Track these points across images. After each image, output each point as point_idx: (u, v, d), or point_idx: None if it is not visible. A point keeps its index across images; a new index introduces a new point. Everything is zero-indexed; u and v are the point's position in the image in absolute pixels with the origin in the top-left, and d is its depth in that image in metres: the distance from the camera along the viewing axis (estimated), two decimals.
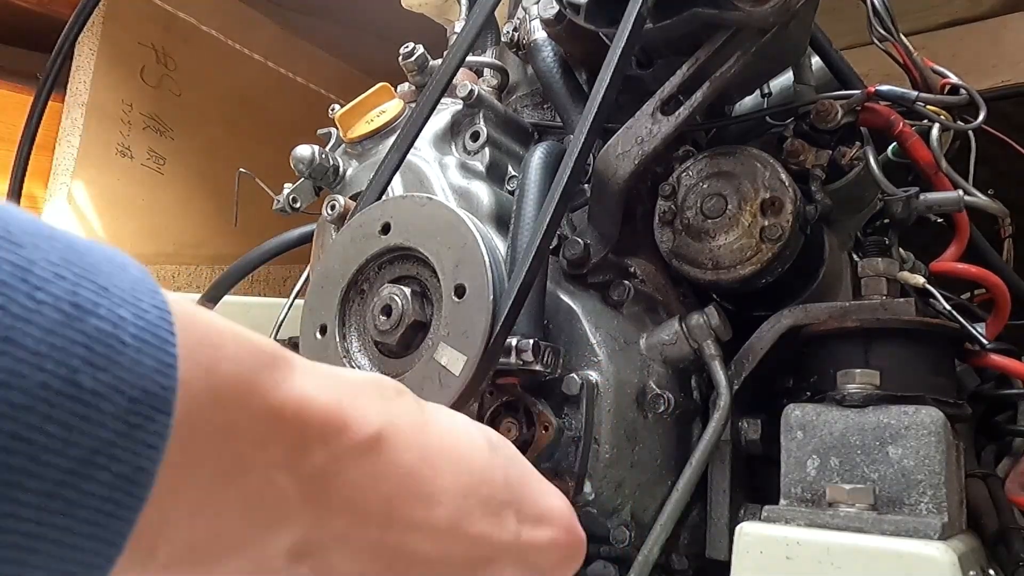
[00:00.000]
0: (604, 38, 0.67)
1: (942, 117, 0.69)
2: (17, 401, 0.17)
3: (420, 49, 0.81)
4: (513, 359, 0.58)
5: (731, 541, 0.57)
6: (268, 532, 0.24)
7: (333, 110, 0.84)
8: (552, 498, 0.35)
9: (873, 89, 0.69)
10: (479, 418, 0.63)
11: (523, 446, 0.61)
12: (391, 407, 0.29)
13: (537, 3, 0.76)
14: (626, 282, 0.69)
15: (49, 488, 0.18)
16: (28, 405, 0.17)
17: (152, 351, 0.19)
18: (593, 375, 0.63)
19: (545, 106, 0.82)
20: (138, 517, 0.19)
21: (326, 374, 0.27)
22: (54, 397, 0.17)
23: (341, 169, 0.82)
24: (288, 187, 0.88)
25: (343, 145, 0.85)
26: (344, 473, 0.26)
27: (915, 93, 0.69)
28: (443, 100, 0.74)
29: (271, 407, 0.24)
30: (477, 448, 0.32)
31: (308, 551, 0.26)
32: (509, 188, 0.76)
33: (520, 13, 0.81)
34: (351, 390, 0.27)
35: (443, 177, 0.74)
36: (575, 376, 0.62)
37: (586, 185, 0.70)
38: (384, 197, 0.69)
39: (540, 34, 0.77)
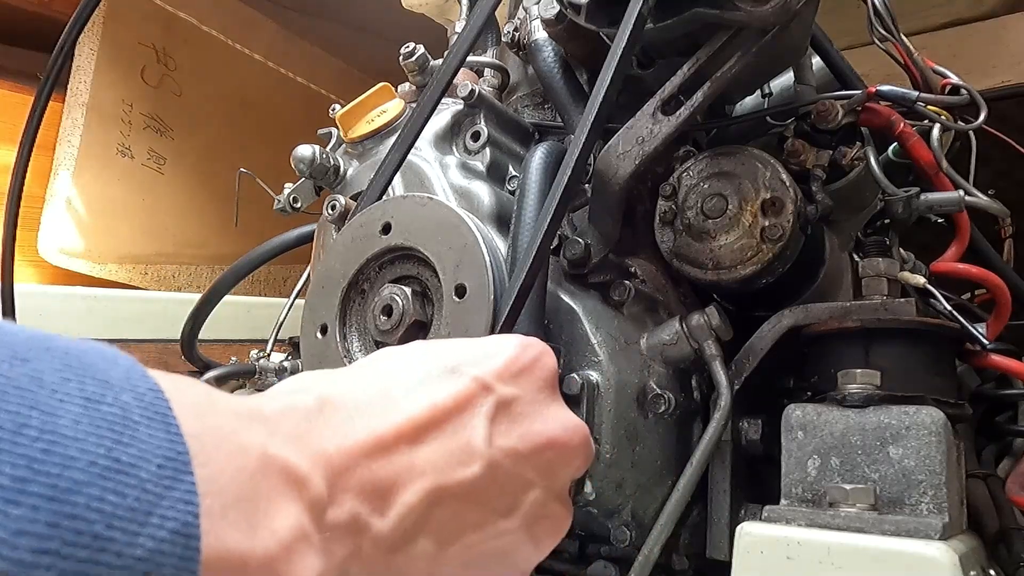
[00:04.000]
0: (605, 38, 0.67)
1: (943, 117, 0.69)
2: (79, 478, 0.20)
3: (421, 49, 0.81)
4: None
5: (732, 541, 0.57)
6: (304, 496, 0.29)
7: (333, 110, 0.84)
8: (464, 344, 0.43)
9: (874, 89, 0.69)
10: None
11: None
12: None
13: (538, 3, 0.76)
14: (627, 282, 0.68)
15: (114, 562, 0.20)
16: (88, 480, 0.20)
17: (160, 425, 0.23)
18: (594, 375, 0.63)
19: (546, 106, 0.82)
20: (200, 571, 0.22)
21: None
22: (104, 471, 0.21)
23: (342, 169, 0.82)
24: (288, 187, 0.88)
25: (344, 145, 0.85)
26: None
27: (916, 93, 0.69)
28: (444, 100, 0.73)
29: (255, 448, 0.28)
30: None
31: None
32: (510, 188, 0.76)
33: (521, 13, 0.81)
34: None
35: (444, 177, 0.74)
36: (575, 376, 0.62)
37: (586, 185, 0.70)
38: (385, 197, 0.69)
39: (541, 34, 0.77)
